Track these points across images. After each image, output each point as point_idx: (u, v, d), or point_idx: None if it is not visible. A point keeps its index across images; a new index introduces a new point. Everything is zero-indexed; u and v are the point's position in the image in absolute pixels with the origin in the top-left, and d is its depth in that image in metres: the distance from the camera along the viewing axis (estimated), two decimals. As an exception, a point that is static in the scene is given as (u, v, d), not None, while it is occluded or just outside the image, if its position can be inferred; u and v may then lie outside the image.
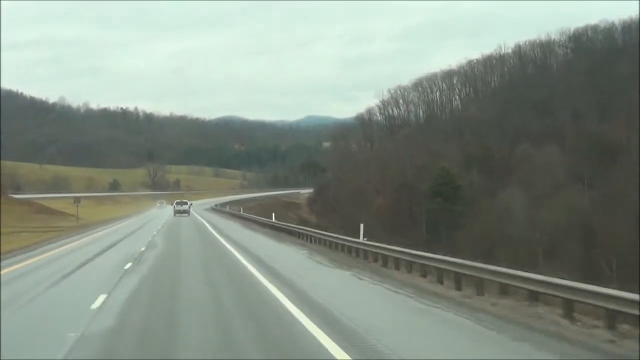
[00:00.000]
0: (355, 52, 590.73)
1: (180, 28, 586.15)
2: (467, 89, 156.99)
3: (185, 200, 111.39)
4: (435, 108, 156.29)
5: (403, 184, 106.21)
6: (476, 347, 13.29)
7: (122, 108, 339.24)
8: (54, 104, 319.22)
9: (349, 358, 12.06)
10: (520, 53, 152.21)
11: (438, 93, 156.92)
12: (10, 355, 12.77)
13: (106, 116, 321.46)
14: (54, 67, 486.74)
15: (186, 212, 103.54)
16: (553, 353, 12.84)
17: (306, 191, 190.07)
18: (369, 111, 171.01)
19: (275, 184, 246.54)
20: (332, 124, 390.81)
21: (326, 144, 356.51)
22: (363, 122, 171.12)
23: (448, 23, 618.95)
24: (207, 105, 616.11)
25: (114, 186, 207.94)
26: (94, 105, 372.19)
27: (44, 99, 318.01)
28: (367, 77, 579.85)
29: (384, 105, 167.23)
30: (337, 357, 12.16)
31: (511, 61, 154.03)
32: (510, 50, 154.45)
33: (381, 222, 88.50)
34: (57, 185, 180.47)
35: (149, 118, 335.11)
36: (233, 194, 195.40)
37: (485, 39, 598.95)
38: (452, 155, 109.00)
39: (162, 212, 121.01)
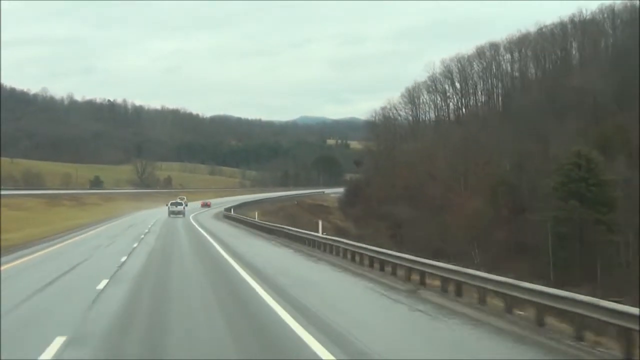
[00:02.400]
0: (349, 53, 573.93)
1: (172, 29, 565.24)
2: (556, 55, 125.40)
3: (180, 201, 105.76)
4: (508, 81, 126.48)
5: (502, 181, 76.52)
6: None
7: (109, 100, 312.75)
8: (35, 95, 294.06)
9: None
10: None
11: (509, 64, 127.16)
12: None
13: (92, 109, 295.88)
14: (45, 67, 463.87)
15: (181, 213, 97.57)
16: None
17: (332, 190, 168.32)
18: (414, 89, 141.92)
19: (284, 182, 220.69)
20: (332, 122, 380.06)
21: (330, 141, 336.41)
22: (411, 98, 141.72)
23: (443, 24, 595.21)
24: (199, 105, 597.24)
25: (95, 183, 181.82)
26: (79, 97, 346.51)
27: (25, 90, 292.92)
28: (360, 79, 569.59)
29: (434, 81, 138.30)
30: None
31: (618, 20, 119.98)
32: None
33: (469, 235, 61.55)
34: (27, 181, 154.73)
35: (138, 111, 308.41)
36: (239, 194, 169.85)
37: (482, 39, 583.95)
38: (561, 140, 78.02)
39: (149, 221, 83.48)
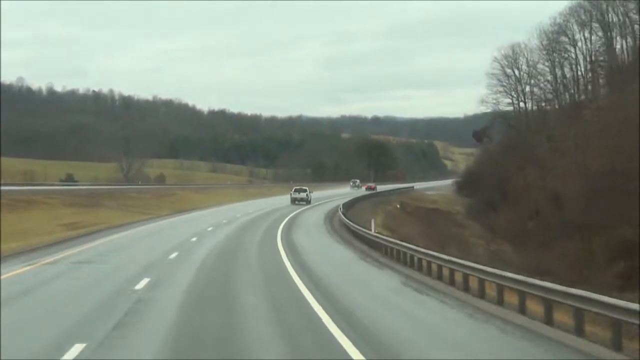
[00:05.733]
0: (340, 52, 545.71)
1: (163, 29, 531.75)
2: None
3: (304, 187, 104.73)
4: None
5: None
6: None
7: (94, 91, 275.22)
8: (10, 86, 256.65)
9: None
10: None
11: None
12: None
13: (74, 100, 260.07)
14: (34, 68, 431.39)
15: (304, 200, 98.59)
16: None
17: (426, 185, 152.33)
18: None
19: (317, 177, 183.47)
20: (333, 120, 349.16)
21: (345, 135, 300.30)
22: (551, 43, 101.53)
23: (435, 22, 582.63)
24: (195, 100, 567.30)
25: (67, 182, 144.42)
26: (59, 87, 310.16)
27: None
28: (353, 78, 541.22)
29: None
30: None
31: None
32: None
33: None
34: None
35: (127, 102, 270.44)
36: (271, 193, 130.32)
37: (473, 38, 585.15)
38: None
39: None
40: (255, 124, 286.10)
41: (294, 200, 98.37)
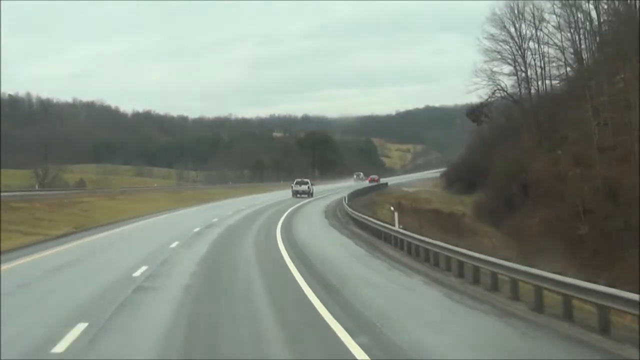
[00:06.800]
0: (269, 54, 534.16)
1: (88, 35, 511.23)
2: None
3: (306, 180, 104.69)
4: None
5: None
6: None
7: (10, 95, 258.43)
8: None
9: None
10: None
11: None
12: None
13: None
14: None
15: (306, 193, 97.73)
16: None
17: (401, 180, 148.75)
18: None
19: (256, 175, 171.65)
20: (262, 120, 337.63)
21: (277, 134, 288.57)
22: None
23: (362, 22, 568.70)
24: (119, 101, 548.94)
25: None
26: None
27: None
28: (282, 79, 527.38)
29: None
30: None
31: None
32: None
33: None
34: None
35: (45, 106, 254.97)
36: (203, 200, 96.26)
37: (401, 35, 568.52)
38: None
39: None
40: (182, 126, 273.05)
41: (295, 193, 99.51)
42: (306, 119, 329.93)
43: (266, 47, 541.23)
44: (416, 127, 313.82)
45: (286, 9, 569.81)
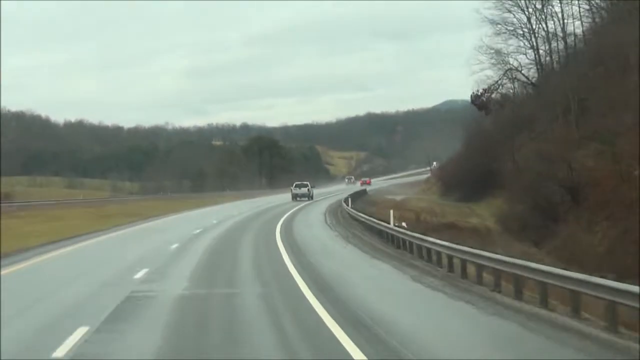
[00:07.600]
0: (205, 64, 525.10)
1: (18, 45, 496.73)
2: None
3: (305, 183, 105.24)
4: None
5: None
6: None
7: None
8: None
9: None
10: None
11: None
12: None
13: None
14: None
15: (305, 195, 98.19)
16: None
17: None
18: None
19: (197, 185, 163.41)
20: (199, 129, 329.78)
21: (217, 142, 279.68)
22: None
23: (303, 28, 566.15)
24: (50, 111, 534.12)
25: None
26: None
27: None
28: (219, 88, 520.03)
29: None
30: None
31: None
32: None
33: None
34: None
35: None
36: (135, 215, 72.37)
37: (342, 42, 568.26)
38: None
39: None
40: (117, 135, 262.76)
41: (295, 197, 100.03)
42: (245, 128, 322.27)
43: (202, 56, 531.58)
44: (358, 134, 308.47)
45: (222, 17, 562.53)
